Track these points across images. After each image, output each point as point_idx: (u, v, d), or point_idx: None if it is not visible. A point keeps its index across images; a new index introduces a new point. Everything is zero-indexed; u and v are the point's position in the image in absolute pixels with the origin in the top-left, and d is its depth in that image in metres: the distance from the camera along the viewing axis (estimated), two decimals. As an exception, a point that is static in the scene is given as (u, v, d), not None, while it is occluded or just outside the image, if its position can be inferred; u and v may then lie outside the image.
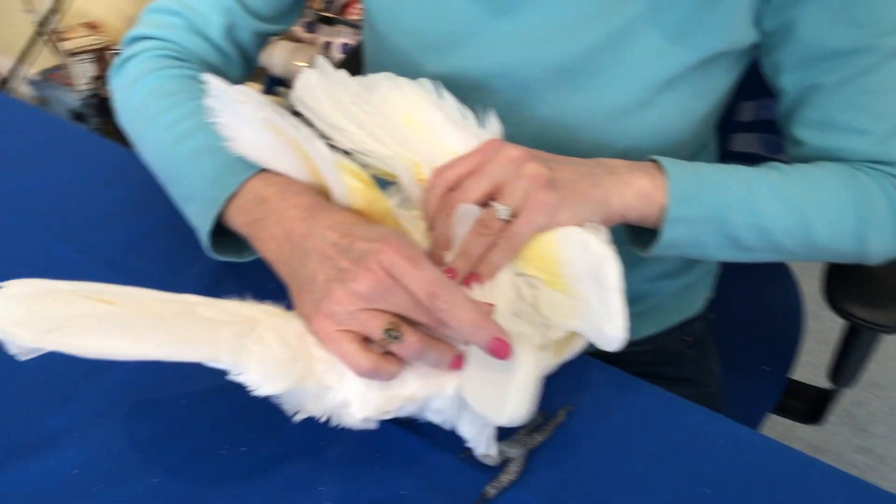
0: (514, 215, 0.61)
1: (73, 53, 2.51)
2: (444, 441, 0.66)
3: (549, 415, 0.68)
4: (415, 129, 0.68)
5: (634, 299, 0.86)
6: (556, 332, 0.60)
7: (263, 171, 0.65)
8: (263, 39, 0.85)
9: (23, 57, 2.58)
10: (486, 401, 0.57)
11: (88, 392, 0.68)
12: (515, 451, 0.64)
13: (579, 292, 0.60)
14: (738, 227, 0.67)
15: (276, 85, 2.27)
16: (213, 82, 0.60)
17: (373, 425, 0.61)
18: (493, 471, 0.64)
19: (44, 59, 2.69)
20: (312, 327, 0.58)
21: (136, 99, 0.75)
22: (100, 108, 2.47)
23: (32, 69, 2.66)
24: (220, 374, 0.70)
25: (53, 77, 2.59)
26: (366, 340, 0.57)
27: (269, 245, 0.62)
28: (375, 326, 0.55)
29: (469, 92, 0.72)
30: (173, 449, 0.65)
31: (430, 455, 0.66)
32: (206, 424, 0.67)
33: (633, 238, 0.73)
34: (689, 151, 0.80)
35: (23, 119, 1.08)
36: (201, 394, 0.70)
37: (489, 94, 0.75)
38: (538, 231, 0.61)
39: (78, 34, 2.56)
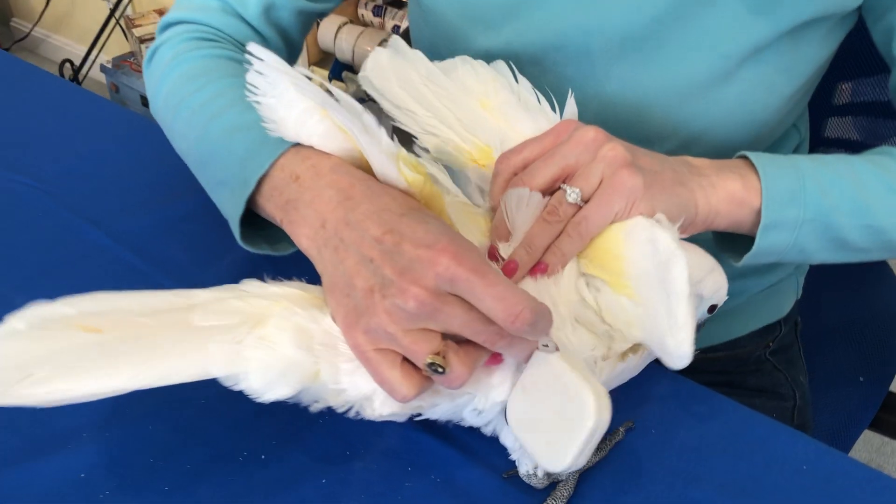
0: (586, 200, 0.54)
1: (144, 40, 2.52)
2: (485, 456, 0.59)
3: (606, 432, 0.60)
4: (490, 113, 0.63)
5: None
6: (620, 343, 0.52)
7: (298, 145, 0.57)
8: (307, 20, 0.79)
9: (95, 43, 2.62)
10: (541, 440, 0.49)
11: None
12: (565, 473, 0.57)
13: (644, 297, 0.52)
14: (845, 229, 0.59)
15: (343, 70, 2.23)
16: (259, 52, 0.53)
17: (401, 419, 0.55)
18: (539, 494, 0.57)
19: (117, 46, 2.72)
20: (346, 338, 0.51)
21: (168, 84, 0.69)
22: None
23: (106, 56, 2.70)
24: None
25: (125, 63, 2.61)
26: (406, 361, 0.49)
27: (302, 230, 0.54)
28: (420, 353, 0.47)
29: (524, 69, 0.64)
30: (187, 454, 0.60)
31: (469, 472, 0.59)
32: (223, 428, 0.62)
33: (724, 244, 0.65)
34: (775, 135, 0.71)
35: (59, 96, 1.05)
36: (220, 394, 0.63)
37: (546, 71, 0.67)
38: (612, 218, 0.54)
39: (149, 21, 2.58)
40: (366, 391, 0.53)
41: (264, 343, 0.51)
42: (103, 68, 2.63)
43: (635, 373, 0.57)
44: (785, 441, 0.62)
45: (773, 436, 0.63)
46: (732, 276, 0.79)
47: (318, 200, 0.53)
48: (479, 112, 0.62)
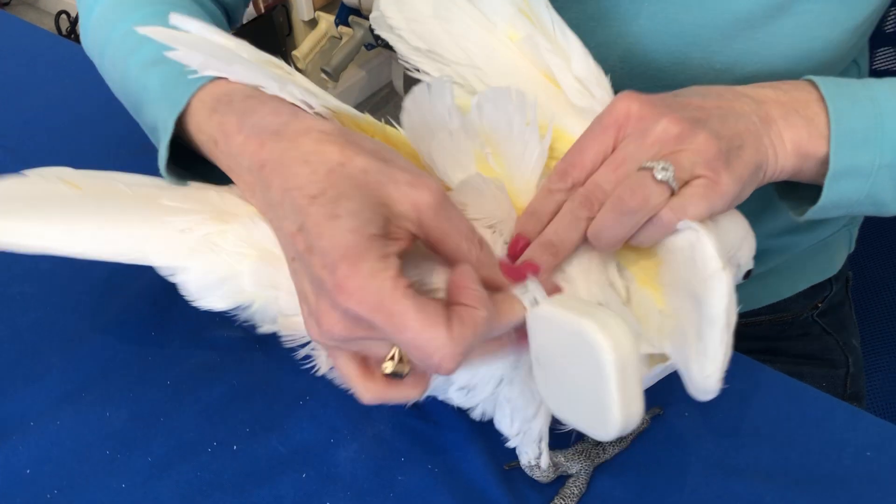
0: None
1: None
2: (485, 444, 0.53)
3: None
4: (522, 57, 0.54)
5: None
6: (645, 346, 0.44)
7: (211, 82, 0.47)
8: None
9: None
10: (580, 411, 0.40)
11: (55, 370, 0.57)
12: (577, 466, 0.49)
13: (675, 309, 0.44)
14: None
15: (349, 14, 2.13)
16: (184, 23, 0.45)
17: None
18: (546, 489, 0.49)
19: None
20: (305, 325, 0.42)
21: (95, 15, 0.59)
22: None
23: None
24: (212, 352, 0.58)
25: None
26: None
27: (251, 199, 0.46)
28: (374, 354, 0.41)
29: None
30: (147, 446, 0.53)
31: (468, 463, 0.52)
32: (190, 414, 0.55)
33: (784, 193, 0.56)
34: (833, 74, 0.61)
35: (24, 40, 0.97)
36: (188, 375, 0.57)
37: (561, 6, 0.57)
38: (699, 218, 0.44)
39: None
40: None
41: (213, 242, 0.46)
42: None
43: (655, 381, 0.48)
44: (843, 421, 0.54)
45: (828, 415, 0.55)
46: (779, 232, 0.71)
47: (237, 171, 0.45)
48: (508, 55, 0.54)
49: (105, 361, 0.58)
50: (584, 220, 0.44)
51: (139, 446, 0.53)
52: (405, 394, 0.42)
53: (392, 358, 0.40)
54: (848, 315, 0.81)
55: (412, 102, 0.46)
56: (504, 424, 0.48)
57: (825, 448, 0.52)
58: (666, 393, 0.53)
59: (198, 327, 0.60)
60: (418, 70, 0.55)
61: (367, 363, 0.41)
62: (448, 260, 0.40)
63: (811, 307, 0.77)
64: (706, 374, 0.41)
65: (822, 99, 0.49)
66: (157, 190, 0.49)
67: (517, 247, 0.44)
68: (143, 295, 0.62)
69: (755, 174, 0.47)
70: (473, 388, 0.46)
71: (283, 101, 0.44)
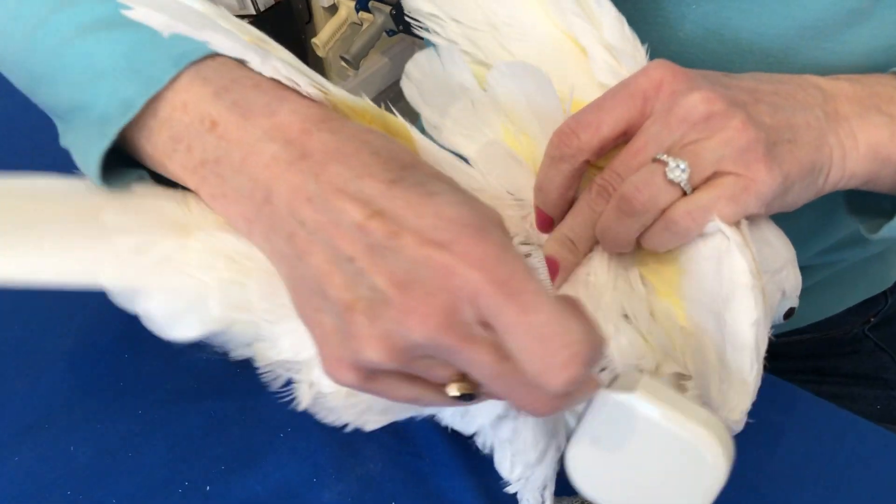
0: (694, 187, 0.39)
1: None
2: (485, 489, 0.47)
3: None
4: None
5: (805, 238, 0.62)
6: (670, 364, 0.38)
7: (208, 59, 0.39)
8: None
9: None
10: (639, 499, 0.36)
11: (18, 398, 0.53)
12: None
13: (696, 325, 0.38)
14: None
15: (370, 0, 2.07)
16: None
17: (357, 417, 0.42)
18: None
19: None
20: (327, 372, 0.36)
21: None
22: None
23: None
24: (189, 377, 0.54)
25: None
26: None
27: (235, 208, 0.38)
28: (438, 377, 0.34)
29: None
30: (113, 485, 0.49)
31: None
32: (162, 449, 0.51)
33: (851, 204, 0.50)
34: None
35: None
36: (162, 402, 0.52)
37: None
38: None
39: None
40: (303, 355, 0.41)
41: (175, 260, 0.40)
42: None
43: None
44: (898, 459, 0.48)
45: (881, 451, 0.48)
46: (825, 251, 0.64)
47: (252, 160, 0.36)
48: (533, 16, 0.47)
49: (73, 388, 0.53)
50: (598, 213, 0.40)
51: (104, 485, 0.48)
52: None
53: (462, 379, 0.34)
54: None
55: (416, 68, 0.42)
56: (504, 467, 0.43)
57: (875, 492, 0.46)
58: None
59: (175, 349, 0.55)
60: (428, 31, 0.47)
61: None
62: None
63: (862, 322, 0.71)
64: (731, 406, 0.36)
65: None
66: (94, 198, 0.41)
67: (541, 222, 0.42)
68: (117, 311, 0.58)
69: (810, 176, 0.40)
70: (466, 411, 0.41)
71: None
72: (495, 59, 0.45)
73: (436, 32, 0.46)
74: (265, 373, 0.43)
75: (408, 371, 0.33)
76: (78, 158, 0.41)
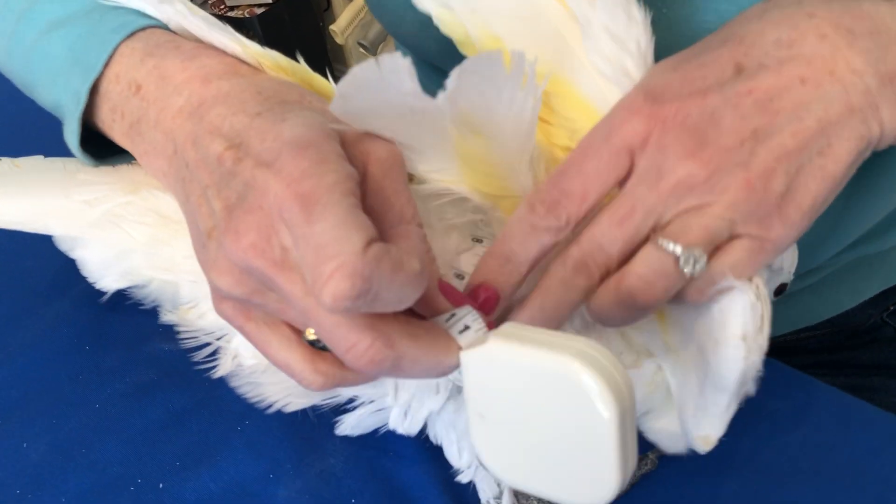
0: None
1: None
2: (453, 483, 0.43)
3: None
4: None
5: (806, 272, 0.58)
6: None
7: (142, 30, 0.42)
8: None
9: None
10: (554, 476, 0.31)
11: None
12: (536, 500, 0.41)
13: (678, 347, 0.36)
14: None
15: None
16: None
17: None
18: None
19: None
20: (216, 309, 0.36)
21: None
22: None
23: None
24: (150, 370, 0.52)
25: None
26: None
27: (155, 162, 0.40)
28: (293, 319, 0.34)
29: None
30: (63, 483, 0.47)
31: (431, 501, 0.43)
32: (117, 443, 0.49)
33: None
34: None
35: None
36: (119, 396, 0.51)
37: None
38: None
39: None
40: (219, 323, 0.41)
41: (115, 214, 0.44)
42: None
43: None
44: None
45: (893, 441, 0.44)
46: (839, 252, 0.57)
47: (164, 115, 0.39)
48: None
49: (30, 382, 0.52)
50: (581, 291, 0.34)
51: (54, 484, 0.47)
52: (354, 378, 0.34)
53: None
54: None
55: (354, 88, 0.33)
56: (451, 454, 0.40)
57: (886, 483, 0.42)
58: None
59: (138, 340, 0.54)
60: None
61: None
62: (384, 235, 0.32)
63: (881, 311, 0.66)
64: (700, 434, 0.33)
65: None
66: (80, 166, 0.47)
67: (479, 299, 0.34)
68: (79, 302, 0.56)
69: (857, 161, 0.35)
70: (409, 407, 0.38)
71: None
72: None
73: None
74: (188, 339, 0.44)
75: (264, 305, 0.33)
76: (73, 152, 0.45)
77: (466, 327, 0.31)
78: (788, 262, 0.39)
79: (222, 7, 1.91)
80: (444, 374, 0.31)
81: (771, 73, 0.34)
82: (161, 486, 0.46)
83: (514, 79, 0.33)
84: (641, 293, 0.33)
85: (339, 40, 2.04)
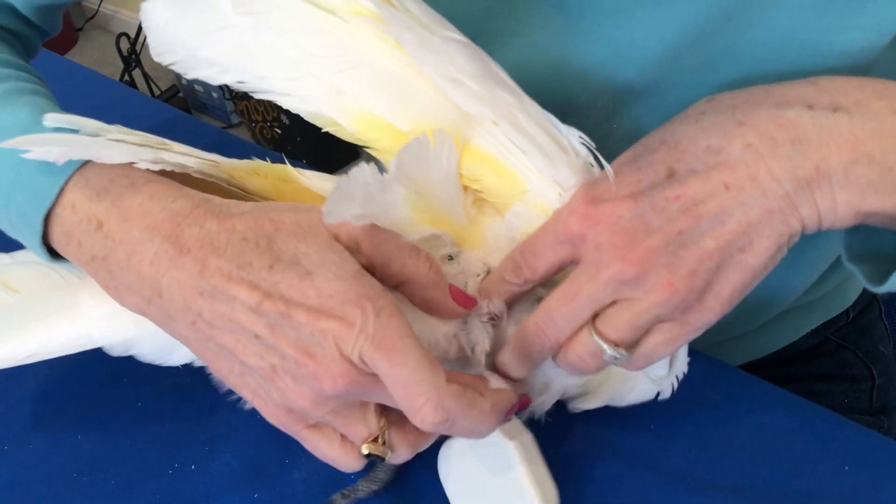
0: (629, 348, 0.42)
1: None
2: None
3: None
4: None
5: (757, 308, 0.66)
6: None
7: (88, 163, 0.44)
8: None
9: None
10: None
11: (32, 395, 0.62)
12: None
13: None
14: None
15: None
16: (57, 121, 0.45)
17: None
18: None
19: None
20: (268, 418, 0.44)
21: None
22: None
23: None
24: (184, 372, 0.61)
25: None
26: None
27: (128, 299, 0.44)
28: (355, 439, 0.43)
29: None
30: (114, 468, 0.57)
31: (426, 484, 0.53)
32: (160, 434, 0.58)
33: (854, 249, 0.47)
34: None
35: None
36: (159, 395, 0.61)
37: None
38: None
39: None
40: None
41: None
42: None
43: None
44: (823, 432, 0.53)
45: (807, 425, 0.54)
46: (792, 289, 0.64)
47: (137, 259, 0.41)
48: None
49: (82, 385, 0.62)
50: (537, 351, 0.44)
51: (106, 469, 0.56)
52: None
53: (375, 440, 0.42)
54: (875, 318, 0.77)
55: (341, 201, 0.40)
56: None
57: (800, 461, 0.51)
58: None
59: (172, 349, 0.63)
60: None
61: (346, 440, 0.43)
62: (401, 285, 0.42)
63: (822, 339, 0.74)
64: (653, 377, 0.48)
65: None
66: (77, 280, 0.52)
67: (464, 303, 0.45)
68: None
69: (774, 258, 0.40)
70: None
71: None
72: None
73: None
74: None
75: (330, 422, 0.42)
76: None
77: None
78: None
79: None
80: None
81: (699, 179, 0.39)
82: (192, 467, 0.56)
83: (438, 149, 0.43)
84: (579, 366, 0.43)
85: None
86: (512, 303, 0.45)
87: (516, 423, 0.47)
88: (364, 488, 0.52)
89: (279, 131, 2.34)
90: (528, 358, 0.44)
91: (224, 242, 0.40)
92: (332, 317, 0.38)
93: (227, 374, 0.43)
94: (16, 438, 0.58)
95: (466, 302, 0.44)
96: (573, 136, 0.43)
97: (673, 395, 0.50)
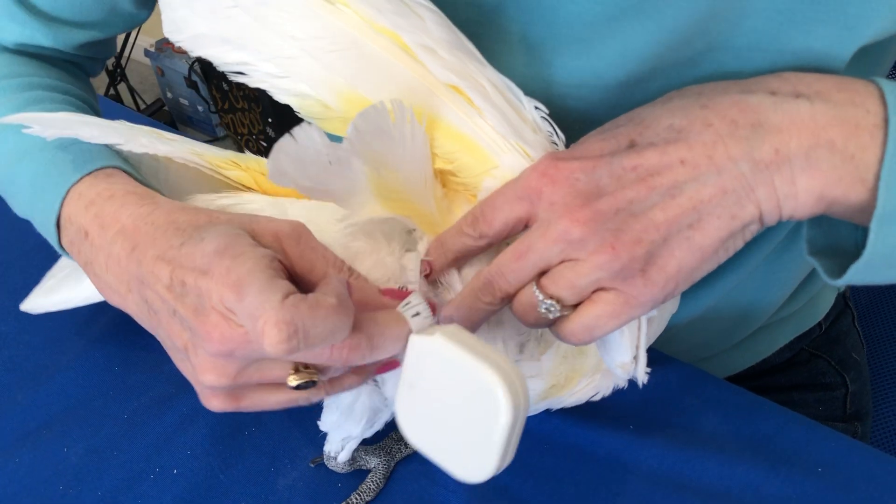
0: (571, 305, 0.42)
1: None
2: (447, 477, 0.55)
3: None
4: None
5: (732, 327, 0.68)
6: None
7: (89, 175, 0.49)
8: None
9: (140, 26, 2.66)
10: (449, 449, 0.41)
11: (19, 408, 0.63)
12: (375, 461, 0.54)
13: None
14: None
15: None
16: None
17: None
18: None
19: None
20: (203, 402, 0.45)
21: None
22: (204, 72, 2.50)
23: (150, 38, 2.75)
24: (168, 385, 0.63)
25: (167, 46, 2.65)
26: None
27: (113, 298, 0.47)
28: (278, 377, 0.42)
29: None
30: (99, 479, 0.58)
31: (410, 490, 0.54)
32: (145, 443, 0.60)
33: (816, 245, 0.47)
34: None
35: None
36: (146, 407, 0.62)
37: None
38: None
39: None
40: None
41: None
42: (147, 52, 2.68)
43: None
44: (798, 435, 0.55)
45: (782, 429, 0.55)
46: (766, 304, 0.66)
47: (111, 262, 0.46)
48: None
49: (68, 398, 0.63)
50: (486, 304, 0.44)
51: (91, 480, 0.57)
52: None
53: (297, 371, 0.40)
54: (848, 327, 0.78)
55: (282, 161, 0.40)
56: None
57: (775, 464, 0.53)
58: (609, 405, 0.55)
59: (159, 361, 0.65)
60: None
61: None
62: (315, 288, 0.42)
63: (796, 352, 0.75)
64: (618, 363, 0.46)
65: (886, 122, 0.39)
66: None
67: (427, 272, 0.46)
68: (108, 330, 0.68)
69: (724, 245, 0.40)
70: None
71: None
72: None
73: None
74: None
75: (248, 381, 0.41)
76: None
77: (418, 313, 0.41)
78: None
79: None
80: (397, 351, 0.40)
81: (657, 152, 0.40)
82: (175, 471, 0.57)
83: (399, 122, 0.42)
84: (521, 317, 0.43)
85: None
86: (464, 260, 0.46)
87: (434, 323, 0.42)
88: (356, 501, 0.53)
89: (265, 144, 2.35)
90: (474, 309, 0.44)
91: (161, 234, 0.42)
92: (205, 273, 0.38)
93: (177, 363, 0.44)
94: (2, 452, 0.59)
95: (400, 297, 0.43)
96: (534, 110, 0.44)
97: (652, 398, 0.51)
